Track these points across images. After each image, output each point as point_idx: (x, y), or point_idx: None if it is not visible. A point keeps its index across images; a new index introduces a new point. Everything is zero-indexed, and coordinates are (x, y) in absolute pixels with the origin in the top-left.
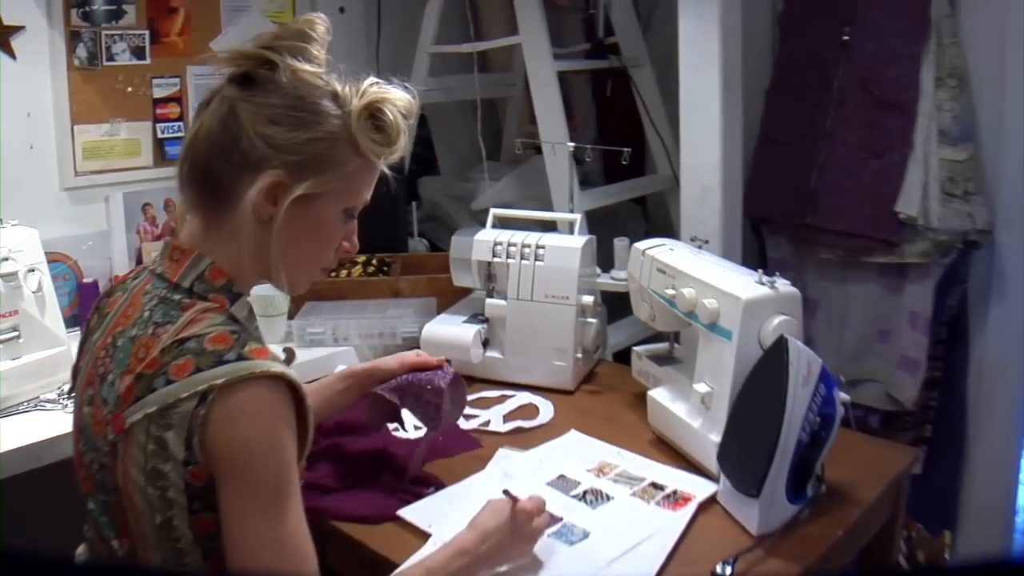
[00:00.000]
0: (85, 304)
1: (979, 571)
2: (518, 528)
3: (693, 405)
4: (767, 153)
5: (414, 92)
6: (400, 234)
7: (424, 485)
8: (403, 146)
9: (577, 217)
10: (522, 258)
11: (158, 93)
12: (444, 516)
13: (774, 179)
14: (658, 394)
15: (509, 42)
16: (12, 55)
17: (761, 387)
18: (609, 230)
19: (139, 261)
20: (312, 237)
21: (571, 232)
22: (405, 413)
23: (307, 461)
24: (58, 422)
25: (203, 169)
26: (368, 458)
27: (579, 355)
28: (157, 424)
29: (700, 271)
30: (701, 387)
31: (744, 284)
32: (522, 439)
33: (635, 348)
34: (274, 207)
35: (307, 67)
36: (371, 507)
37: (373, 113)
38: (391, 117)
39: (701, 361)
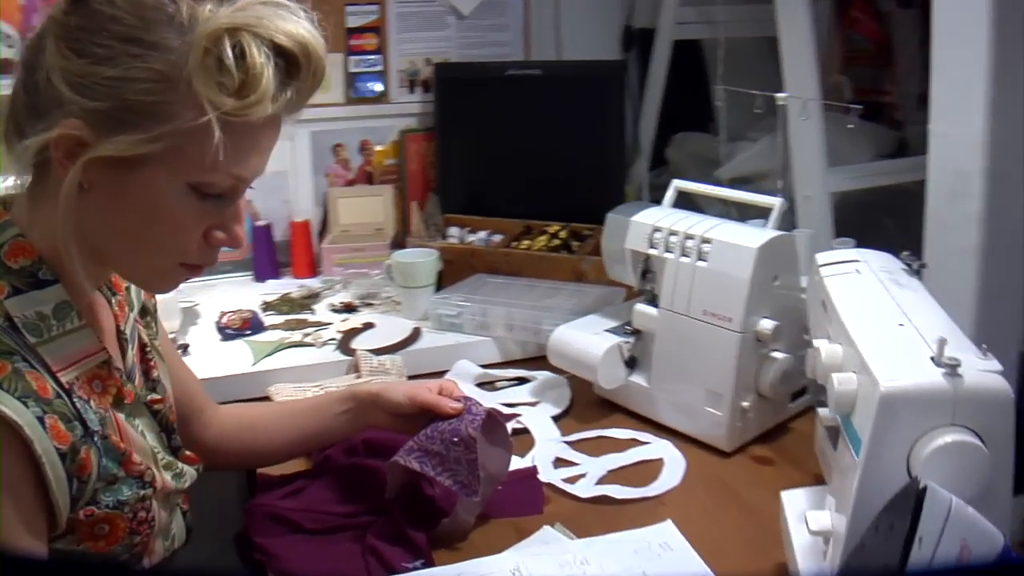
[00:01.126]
0: (259, 248)
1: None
2: None
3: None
4: None
5: (313, 19)
6: (613, 200)
7: (408, 553)
8: (268, 96)
9: (776, 202)
10: (683, 254)
11: (352, 22)
12: None
13: None
14: (794, 498)
15: None
16: None
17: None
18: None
19: (325, 207)
20: (140, 219)
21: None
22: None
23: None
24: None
25: (11, 116)
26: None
27: (746, 403)
28: None
29: (859, 321)
30: (816, 520)
31: (906, 360)
32: (597, 515)
33: (819, 410)
34: (83, 171)
35: None
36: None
37: (217, 45)
38: (249, 52)
39: (834, 476)
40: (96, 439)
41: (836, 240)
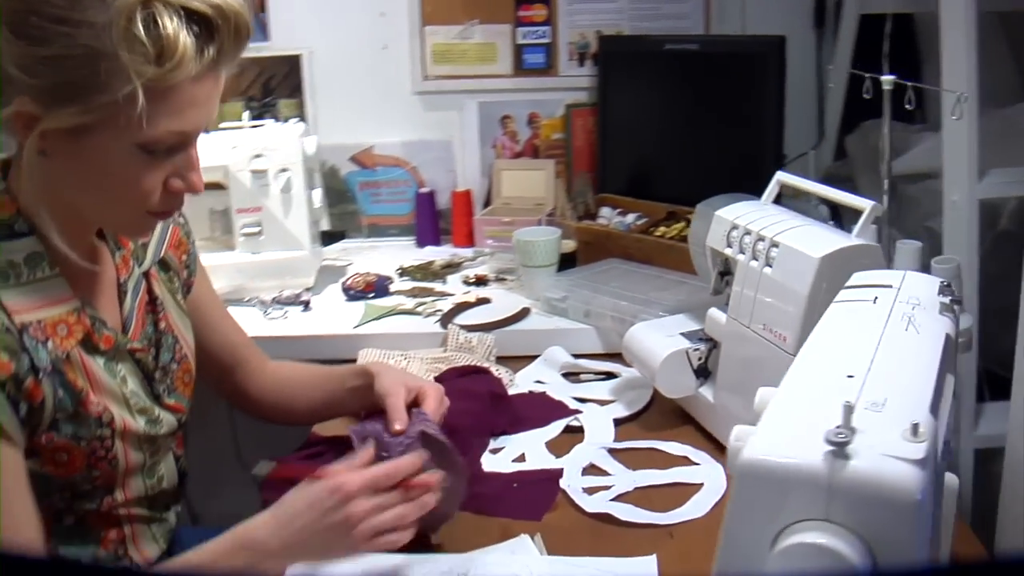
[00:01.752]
0: (421, 215)
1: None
2: (328, 514)
3: None
4: None
5: None
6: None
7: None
8: (187, 59)
9: (867, 206)
10: (753, 257)
11: None
12: None
13: None
14: None
15: None
16: None
17: None
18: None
19: (490, 179)
20: (100, 179)
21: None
22: None
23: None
24: (279, 324)
25: None
26: None
27: None
28: None
29: (807, 364)
30: None
31: (805, 423)
32: (593, 534)
33: None
34: (42, 141)
35: None
36: None
37: (132, 17)
38: (161, 21)
39: None
40: (43, 375)
41: (937, 258)
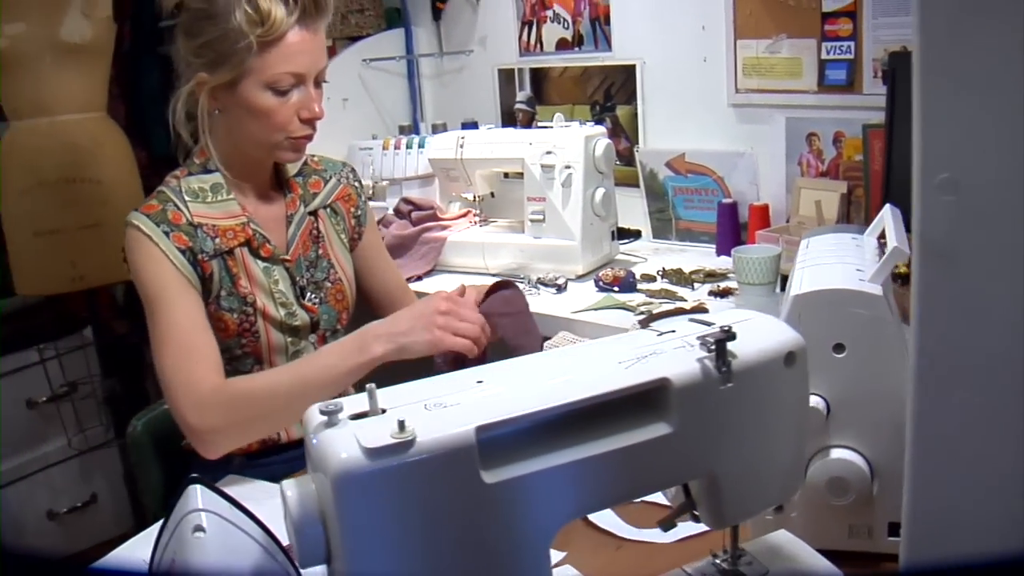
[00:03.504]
0: (721, 223)
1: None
2: (423, 310)
3: None
4: None
5: None
6: None
7: None
8: (279, 19)
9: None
10: None
11: (828, 6)
12: None
13: None
14: None
15: None
16: None
17: None
18: None
19: (794, 195)
20: (251, 116)
21: None
22: None
23: None
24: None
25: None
26: None
27: None
28: None
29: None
30: None
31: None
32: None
33: None
34: (211, 101)
35: None
36: None
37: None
38: None
39: None
40: (210, 257)
41: None
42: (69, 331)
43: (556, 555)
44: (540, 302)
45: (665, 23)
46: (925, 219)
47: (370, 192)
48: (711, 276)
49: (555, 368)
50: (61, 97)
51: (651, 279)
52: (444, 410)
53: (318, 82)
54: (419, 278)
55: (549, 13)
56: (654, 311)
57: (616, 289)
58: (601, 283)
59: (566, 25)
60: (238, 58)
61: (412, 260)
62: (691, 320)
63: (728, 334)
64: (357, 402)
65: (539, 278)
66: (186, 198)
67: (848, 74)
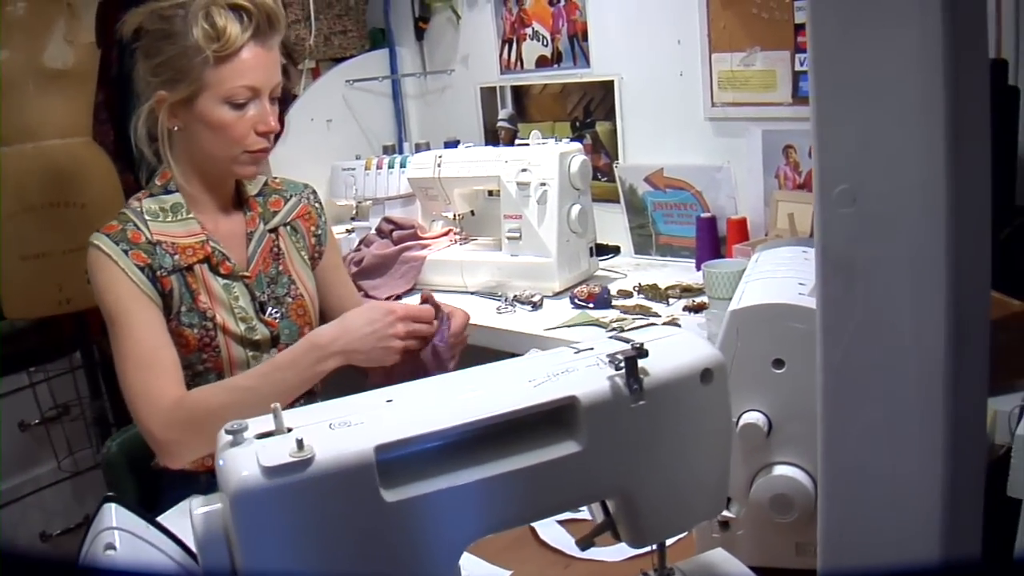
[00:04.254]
0: (700, 238)
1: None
2: (379, 327)
3: None
4: None
5: None
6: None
7: None
8: (234, 36)
9: None
10: None
11: (801, 17)
12: None
13: None
14: None
15: None
16: None
17: None
18: None
19: (771, 208)
20: (208, 132)
21: None
22: None
23: None
24: (499, 318)
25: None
26: None
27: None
28: None
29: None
30: None
31: None
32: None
33: None
34: (170, 118)
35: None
36: None
37: (197, 16)
38: (215, 16)
39: None
40: (169, 273)
41: None
42: (58, 354)
43: (503, 573)
44: (515, 320)
45: (641, 38)
46: (826, 232)
47: (353, 212)
48: (687, 291)
49: (465, 386)
50: (45, 122)
51: (628, 295)
52: (348, 429)
53: (273, 97)
54: (399, 297)
55: (528, 31)
56: (626, 327)
57: (591, 306)
58: (576, 300)
59: (545, 42)
60: (195, 73)
61: (392, 279)
62: (613, 337)
63: (639, 351)
64: (265, 421)
65: (515, 296)
66: (146, 218)
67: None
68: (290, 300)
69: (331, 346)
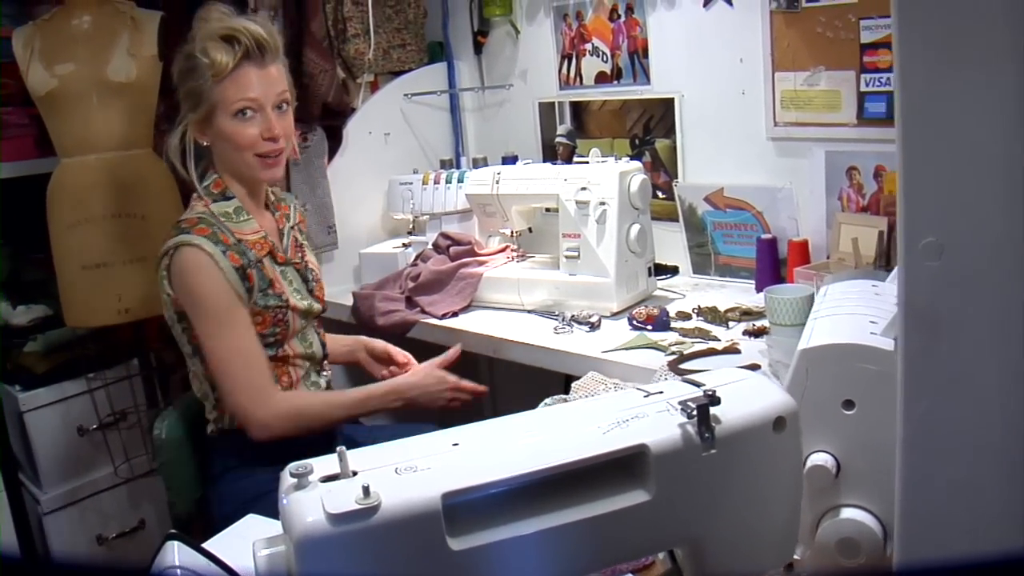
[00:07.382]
0: (761, 259)
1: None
2: (439, 388)
3: None
4: None
5: (248, 14)
6: None
7: None
8: (227, 62)
9: None
10: None
11: (867, 37)
12: None
13: None
14: None
15: None
16: (730, 1)
17: None
18: None
19: (834, 231)
20: (225, 143)
21: None
22: None
23: None
24: (556, 338)
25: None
26: None
27: None
28: (158, 269)
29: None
30: None
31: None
32: None
33: None
34: (200, 135)
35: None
36: None
37: (196, 51)
38: (211, 48)
39: None
40: (252, 267)
41: None
42: (116, 361)
43: None
44: (572, 341)
45: (703, 56)
46: (910, 284)
47: (410, 226)
48: (747, 314)
49: (533, 431)
50: (107, 134)
51: (687, 317)
52: (414, 474)
53: (281, 106)
54: (455, 314)
55: (588, 47)
56: (685, 352)
57: (649, 328)
58: (635, 321)
59: (605, 59)
60: (205, 95)
61: (448, 296)
62: (684, 381)
63: (712, 399)
64: (329, 463)
65: (573, 315)
66: (221, 220)
67: (888, 106)
68: (313, 283)
69: (406, 394)
